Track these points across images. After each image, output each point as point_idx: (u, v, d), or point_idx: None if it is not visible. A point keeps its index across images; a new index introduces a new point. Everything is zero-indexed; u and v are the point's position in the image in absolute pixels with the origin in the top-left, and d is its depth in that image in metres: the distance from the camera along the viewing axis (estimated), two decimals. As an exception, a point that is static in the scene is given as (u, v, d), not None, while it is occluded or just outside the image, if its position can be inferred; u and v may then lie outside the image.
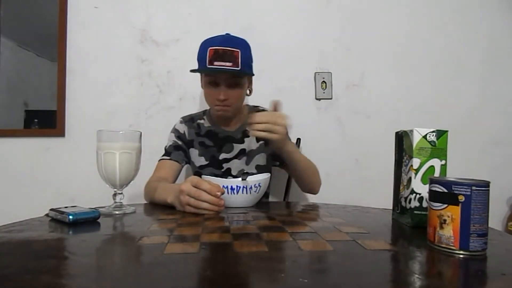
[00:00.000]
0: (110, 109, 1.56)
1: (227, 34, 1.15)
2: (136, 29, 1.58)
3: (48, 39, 1.54)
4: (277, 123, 0.93)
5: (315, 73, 1.62)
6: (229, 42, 1.09)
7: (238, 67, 1.07)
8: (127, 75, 1.58)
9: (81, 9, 1.56)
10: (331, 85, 1.63)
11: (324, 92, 1.62)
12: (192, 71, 1.13)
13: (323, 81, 1.62)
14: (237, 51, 1.07)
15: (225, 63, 1.05)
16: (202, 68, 1.10)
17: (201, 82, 1.19)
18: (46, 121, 1.54)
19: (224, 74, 1.09)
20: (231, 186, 0.87)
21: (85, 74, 1.56)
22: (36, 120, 1.55)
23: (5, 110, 1.54)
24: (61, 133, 1.53)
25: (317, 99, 1.63)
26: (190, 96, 1.58)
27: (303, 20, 1.63)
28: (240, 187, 0.87)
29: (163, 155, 1.19)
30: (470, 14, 1.67)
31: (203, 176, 0.93)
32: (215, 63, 1.05)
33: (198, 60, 1.12)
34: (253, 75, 1.16)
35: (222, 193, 0.82)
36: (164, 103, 1.58)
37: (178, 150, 1.19)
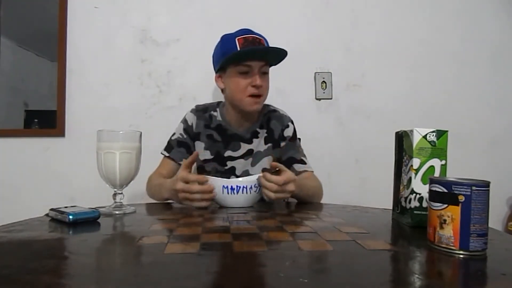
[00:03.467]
0: (110, 109, 1.56)
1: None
2: (136, 29, 1.58)
3: (48, 39, 1.54)
4: (287, 191, 0.90)
5: (315, 73, 1.62)
6: (254, 32, 1.10)
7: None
8: (127, 75, 1.58)
9: (81, 9, 1.56)
10: (331, 85, 1.63)
11: (324, 92, 1.62)
12: (228, 59, 1.07)
13: (323, 81, 1.62)
14: (263, 39, 1.10)
15: (256, 47, 1.07)
16: (243, 50, 1.06)
17: (219, 80, 1.17)
18: (46, 121, 1.54)
19: (257, 62, 1.08)
20: (231, 186, 0.86)
21: (85, 74, 1.56)
22: (36, 120, 1.55)
23: (5, 110, 1.54)
24: (61, 133, 1.53)
25: (317, 99, 1.63)
26: (190, 96, 1.58)
27: (303, 20, 1.63)
28: (240, 187, 0.87)
29: (165, 148, 1.19)
30: (470, 14, 1.67)
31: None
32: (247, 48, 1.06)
33: (225, 52, 1.09)
34: (286, 52, 1.11)
35: (206, 180, 0.87)
36: (164, 103, 1.58)
37: (180, 147, 1.18)
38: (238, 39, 1.06)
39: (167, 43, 1.59)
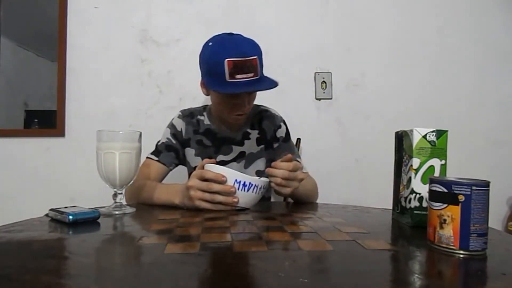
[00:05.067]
0: (110, 109, 1.56)
1: (238, 35, 1.03)
2: (136, 29, 1.58)
3: (48, 39, 1.54)
4: (296, 178, 0.87)
5: (315, 73, 1.63)
6: (245, 48, 0.98)
7: (258, 76, 0.99)
8: (127, 75, 1.58)
9: (81, 9, 1.56)
10: (331, 85, 1.63)
11: (324, 92, 1.62)
12: (215, 90, 1.00)
13: (323, 81, 1.62)
14: (255, 58, 0.97)
15: (246, 74, 0.96)
16: (224, 88, 0.97)
17: (203, 87, 1.09)
18: (46, 121, 1.55)
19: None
20: (244, 182, 0.81)
21: (85, 74, 1.56)
22: (36, 120, 1.55)
23: (5, 110, 1.54)
24: (61, 133, 1.54)
25: (317, 99, 1.63)
26: (190, 96, 1.58)
27: (303, 20, 1.63)
28: (252, 184, 0.82)
29: (152, 153, 1.11)
30: (470, 15, 1.68)
31: (216, 166, 0.86)
32: (237, 76, 0.95)
33: (212, 72, 0.99)
34: (276, 84, 1.02)
35: (225, 181, 0.79)
36: (164, 103, 1.58)
37: (169, 151, 1.12)
38: (228, 62, 0.94)
39: (167, 43, 1.59)
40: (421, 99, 1.64)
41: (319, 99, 1.63)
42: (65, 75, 1.54)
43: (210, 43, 1.02)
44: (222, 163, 1.14)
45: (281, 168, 0.85)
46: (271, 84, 1.02)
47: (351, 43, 1.64)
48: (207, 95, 1.11)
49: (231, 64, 0.94)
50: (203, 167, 0.86)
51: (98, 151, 0.83)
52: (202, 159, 1.11)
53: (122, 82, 1.57)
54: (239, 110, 1.04)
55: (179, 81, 1.59)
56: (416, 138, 0.65)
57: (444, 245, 0.51)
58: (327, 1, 1.63)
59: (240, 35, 1.05)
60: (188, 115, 1.18)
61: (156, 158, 1.10)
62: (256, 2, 1.62)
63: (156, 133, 1.47)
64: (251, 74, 0.97)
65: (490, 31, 1.67)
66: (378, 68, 1.64)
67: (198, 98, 1.57)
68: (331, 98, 1.63)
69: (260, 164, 1.18)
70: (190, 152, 1.16)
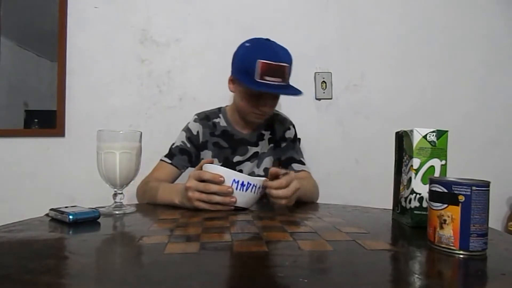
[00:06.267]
0: (110, 109, 1.56)
1: (274, 41, 1.09)
2: (136, 29, 1.58)
3: (48, 39, 1.54)
4: (294, 188, 0.86)
5: (315, 73, 1.62)
6: (279, 54, 1.04)
7: (285, 82, 1.06)
8: (127, 75, 1.58)
9: (81, 9, 1.56)
10: (331, 85, 1.63)
11: (324, 92, 1.62)
12: (243, 84, 1.06)
13: (323, 81, 1.62)
14: (286, 66, 1.05)
15: (275, 78, 1.03)
16: (252, 85, 1.03)
17: (231, 83, 1.14)
18: (46, 121, 1.54)
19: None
20: (242, 182, 0.81)
21: (85, 74, 1.56)
22: (36, 120, 1.55)
23: (5, 110, 1.54)
24: (61, 133, 1.53)
25: (317, 99, 1.63)
26: (190, 96, 1.58)
27: (303, 20, 1.63)
28: (251, 184, 0.81)
29: (166, 156, 1.15)
30: (470, 14, 1.68)
31: (214, 166, 0.86)
32: (266, 77, 1.02)
33: (243, 69, 1.05)
34: (301, 93, 1.09)
35: (222, 181, 0.79)
36: (164, 103, 1.58)
37: (182, 154, 1.15)
38: (261, 63, 1.00)
39: (167, 43, 1.59)
40: (421, 99, 1.64)
41: (319, 99, 1.63)
42: (65, 75, 1.54)
43: (247, 44, 1.08)
44: (238, 163, 1.19)
45: (279, 187, 0.83)
46: (296, 91, 1.08)
47: (351, 43, 1.64)
48: (233, 91, 1.16)
49: (263, 65, 1.01)
50: (201, 168, 0.86)
51: (98, 151, 0.83)
52: (219, 160, 1.18)
53: (122, 82, 1.57)
54: (259, 110, 1.09)
55: (179, 81, 1.59)
56: (417, 138, 0.65)
57: (444, 245, 0.51)
58: (327, 1, 1.63)
59: (275, 42, 1.10)
60: (204, 118, 1.21)
61: (170, 161, 1.13)
62: (256, 2, 1.62)
63: (156, 133, 1.47)
64: (279, 79, 1.04)
65: (491, 31, 1.67)
66: (378, 68, 1.64)
67: (198, 98, 1.57)
68: (331, 98, 1.63)
69: (267, 162, 1.22)
70: (207, 155, 1.18)
